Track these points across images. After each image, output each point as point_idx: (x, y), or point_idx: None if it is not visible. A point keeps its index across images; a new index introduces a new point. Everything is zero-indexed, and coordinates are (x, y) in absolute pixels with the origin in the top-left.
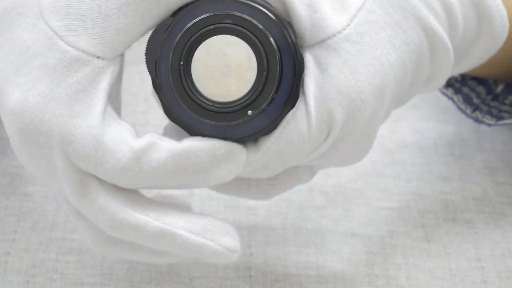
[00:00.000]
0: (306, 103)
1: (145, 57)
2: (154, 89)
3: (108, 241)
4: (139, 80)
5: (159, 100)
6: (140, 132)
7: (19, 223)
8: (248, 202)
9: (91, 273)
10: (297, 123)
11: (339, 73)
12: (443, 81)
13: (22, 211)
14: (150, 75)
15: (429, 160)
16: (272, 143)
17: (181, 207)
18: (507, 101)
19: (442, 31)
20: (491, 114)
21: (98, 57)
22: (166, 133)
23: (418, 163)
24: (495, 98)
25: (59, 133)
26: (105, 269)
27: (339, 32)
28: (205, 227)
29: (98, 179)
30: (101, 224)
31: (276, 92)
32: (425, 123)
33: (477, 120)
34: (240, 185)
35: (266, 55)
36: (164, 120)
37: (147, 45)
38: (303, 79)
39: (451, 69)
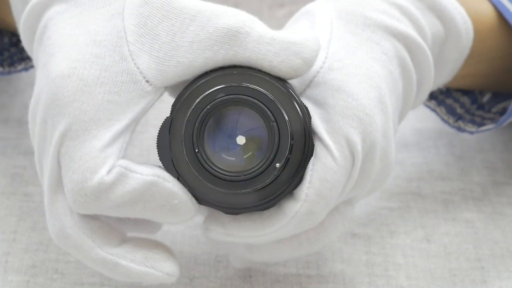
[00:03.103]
0: (321, 140)
1: (160, 161)
2: (181, 183)
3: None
4: None
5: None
6: (140, 132)
7: (19, 223)
8: None
9: (91, 273)
10: (322, 160)
11: (337, 100)
12: (429, 86)
13: (22, 211)
14: (173, 176)
15: (429, 160)
16: (308, 188)
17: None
18: (494, 109)
19: (410, 32)
20: (473, 122)
21: (147, 81)
22: None
23: (418, 163)
24: (481, 107)
25: (68, 124)
26: None
27: (321, 68)
28: (146, 255)
29: None
30: (51, 226)
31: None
32: (425, 123)
33: (459, 129)
34: (292, 243)
35: (278, 126)
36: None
37: (157, 150)
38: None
39: (432, 72)
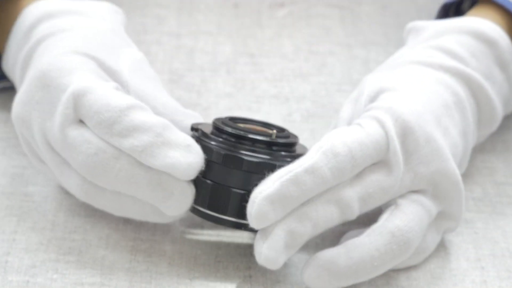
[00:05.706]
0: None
1: None
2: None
3: (93, 188)
4: None
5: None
6: None
7: (19, 223)
8: None
9: (91, 273)
10: (351, 130)
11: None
12: (495, 112)
13: (22, 211)
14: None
15: None
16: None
17: None
18: None
19: (460, 66)
20: None
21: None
22: None
23: None
24: None
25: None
26: (105, 269)
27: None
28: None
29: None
30: (85, 152)
31: None
32: None
33: None
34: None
35: None
36: None
37: None
38: None
39: (494, 100)
